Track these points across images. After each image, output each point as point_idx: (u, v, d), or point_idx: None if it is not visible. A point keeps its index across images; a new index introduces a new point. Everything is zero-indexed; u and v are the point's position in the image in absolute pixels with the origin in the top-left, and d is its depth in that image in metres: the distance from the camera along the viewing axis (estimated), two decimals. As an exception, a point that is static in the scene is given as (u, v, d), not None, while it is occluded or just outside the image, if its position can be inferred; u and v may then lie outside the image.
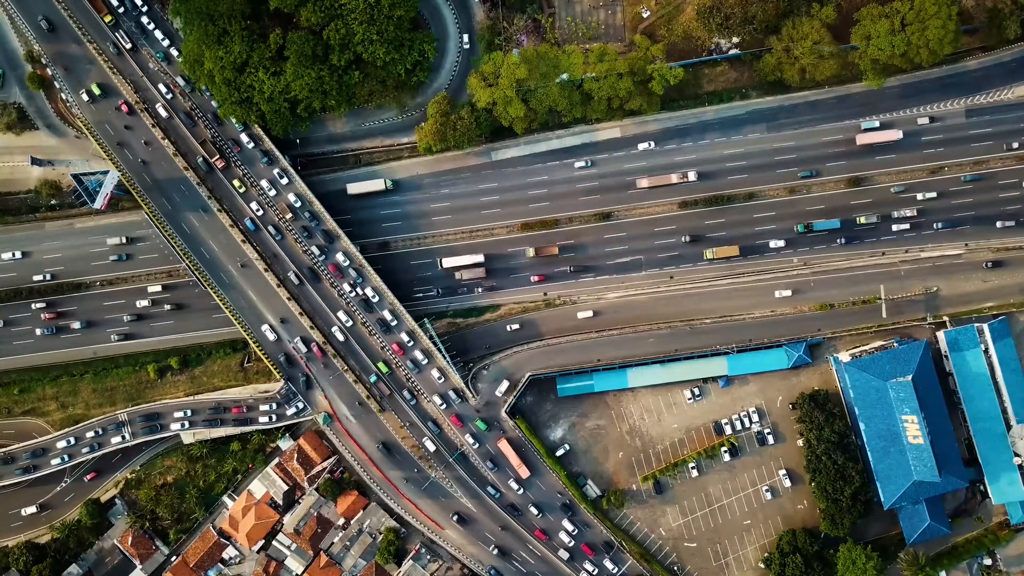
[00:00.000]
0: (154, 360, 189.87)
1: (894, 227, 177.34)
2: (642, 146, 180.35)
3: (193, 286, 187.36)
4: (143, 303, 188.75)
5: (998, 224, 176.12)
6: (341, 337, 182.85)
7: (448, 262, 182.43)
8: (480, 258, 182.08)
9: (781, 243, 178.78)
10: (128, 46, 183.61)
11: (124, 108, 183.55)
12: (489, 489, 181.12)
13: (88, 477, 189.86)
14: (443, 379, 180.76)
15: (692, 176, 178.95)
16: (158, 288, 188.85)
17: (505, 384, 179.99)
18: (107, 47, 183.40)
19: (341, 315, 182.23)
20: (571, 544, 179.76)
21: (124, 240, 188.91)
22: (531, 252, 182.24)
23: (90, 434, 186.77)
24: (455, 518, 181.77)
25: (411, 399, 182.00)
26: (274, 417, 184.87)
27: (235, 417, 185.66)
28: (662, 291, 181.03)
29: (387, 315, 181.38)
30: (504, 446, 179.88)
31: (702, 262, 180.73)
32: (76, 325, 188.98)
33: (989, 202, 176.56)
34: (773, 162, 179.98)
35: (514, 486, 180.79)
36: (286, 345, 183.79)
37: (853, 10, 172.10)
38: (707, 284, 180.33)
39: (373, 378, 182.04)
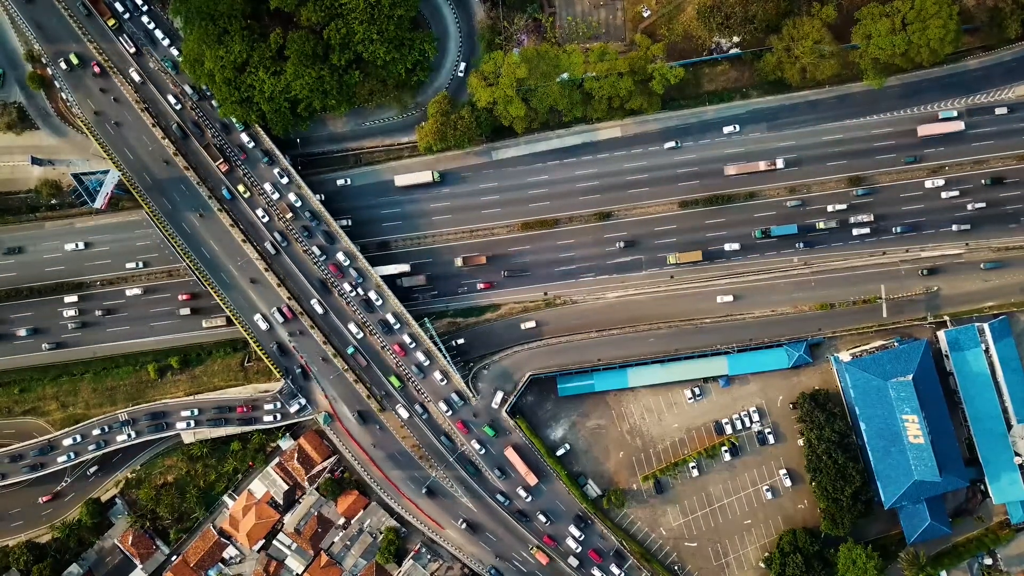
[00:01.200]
0: (154, 360, 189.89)
1: (854, 231, 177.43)
2: (727, 129, 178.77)
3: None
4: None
5: (953, 228, 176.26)
6: (354, 354, 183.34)
7: (383, 270, 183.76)
8: (406, 267, 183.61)
9: (736, 246, 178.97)
10: (132, 50, 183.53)
11: (96, 69, 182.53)
12: (498, 497, 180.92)
13: (92, 469, 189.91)
14: (446, 381, 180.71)
15: (780, 164, 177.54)
16: (138, 291, 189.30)
17: (499, 396, 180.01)
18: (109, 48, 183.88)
19: (352, 327, 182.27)
20: (579, 551, 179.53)
21: (82, 245, 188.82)
22: (459, 262, 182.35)
23: (96, 432, 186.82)
24: (463, 524, 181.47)
25: (423, 413, 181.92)
26: (279, 416, 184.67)
27: (240, 416, 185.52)
28: (662, 291, 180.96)
29: (389, 317, 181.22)
30: (511, 454, 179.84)
31: (754, 254, 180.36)
32: (22, 332, 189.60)
33: (945, 207, 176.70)
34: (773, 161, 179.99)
35: (522, 493, 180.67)
36: (279, 334, 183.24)
37: (854, 9, 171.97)
38: (707, 284, 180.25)
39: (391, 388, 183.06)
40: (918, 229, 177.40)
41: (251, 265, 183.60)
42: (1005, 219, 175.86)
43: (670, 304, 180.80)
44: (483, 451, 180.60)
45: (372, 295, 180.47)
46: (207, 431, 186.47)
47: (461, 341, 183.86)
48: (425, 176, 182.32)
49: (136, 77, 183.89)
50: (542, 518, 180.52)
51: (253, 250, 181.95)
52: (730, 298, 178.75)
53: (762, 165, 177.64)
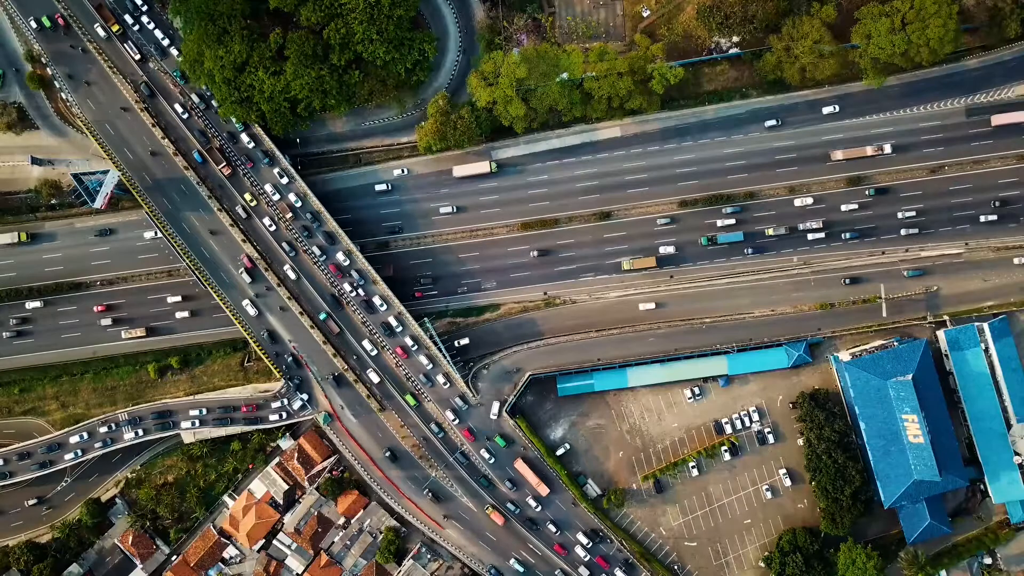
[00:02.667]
0: (154, 359, 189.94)
1: (809, 236, 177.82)
2: (827, 110, 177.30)
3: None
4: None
5: (902, 232, 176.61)
6: (374, 377, 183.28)
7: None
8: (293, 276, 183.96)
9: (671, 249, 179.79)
10: (137, 57, 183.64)
11: (59, 20, 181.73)
12: (509, 506, 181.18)
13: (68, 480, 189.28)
14: (449, 385, 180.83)
15: (888, 149, 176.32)
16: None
17: (496, 406, 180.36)
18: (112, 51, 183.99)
19: (366, 343, 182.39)
20: (588, 559, 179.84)
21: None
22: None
23: (103, 429, 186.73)
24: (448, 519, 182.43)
25: (439, 432, 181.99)
26: (285, 414, 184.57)
27: (245, 416, 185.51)
28: (661, 290, 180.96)
29: (392, 320, 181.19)
30: (521, 466, 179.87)
31: (703, 261, 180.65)
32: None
33: (892, 213, 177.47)
34: (773, 161, 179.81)
35: (532, 503, 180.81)
36: (268, 321, 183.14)
37: (853, 9, 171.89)
38: (706, 283, 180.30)
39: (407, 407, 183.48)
40: (865, 236, 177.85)
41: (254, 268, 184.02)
42: (943, 224, 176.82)
43: (670, 303, 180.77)
44: (492, 460, 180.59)
45: (376, 299, 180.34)
46: (211, 431, 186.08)
47: (466, 341, 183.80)
48: (483, 167, 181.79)
49: (140, 80, 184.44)
50: (552, 528, 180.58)
51: (274, 277, 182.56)
52: (652, 305, 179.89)
53: (869, 150, 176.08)
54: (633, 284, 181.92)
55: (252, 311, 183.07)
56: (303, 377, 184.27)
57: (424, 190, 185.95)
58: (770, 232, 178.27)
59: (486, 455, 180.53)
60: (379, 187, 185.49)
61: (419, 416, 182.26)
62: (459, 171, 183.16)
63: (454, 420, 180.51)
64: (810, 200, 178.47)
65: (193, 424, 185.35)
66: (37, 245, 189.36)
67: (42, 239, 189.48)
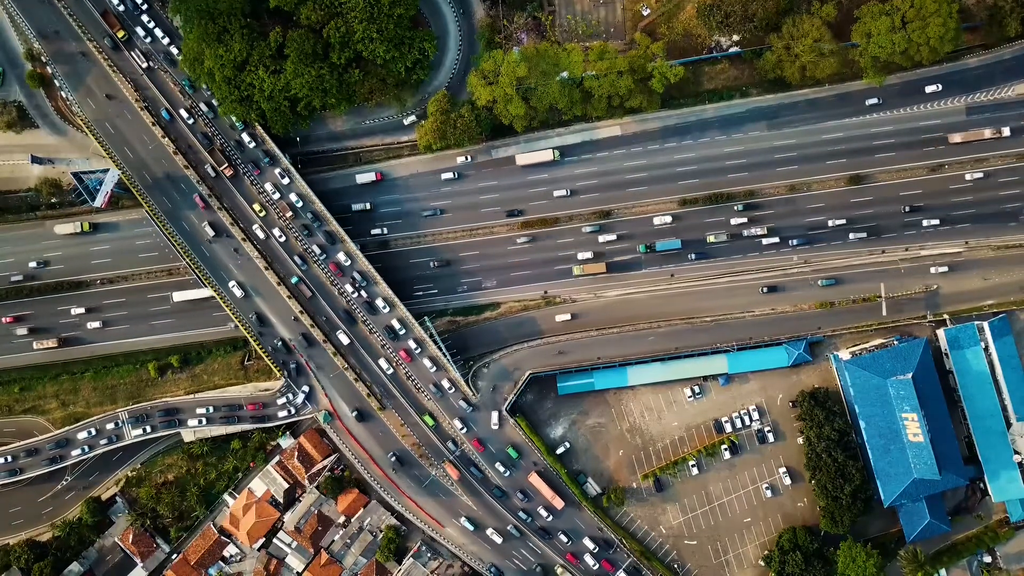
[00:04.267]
0: (155, 358, 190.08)
1: (764, 241, 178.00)
2: (930, 88, 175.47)
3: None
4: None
5: (851, 236, 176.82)
6: (390, 384, 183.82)
7: (178, 296, 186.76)
8: (207, 292, 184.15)
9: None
10: (144, 65, 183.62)
11: (201, 204, 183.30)
12: (520, 514, 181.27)
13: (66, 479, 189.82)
14: (454, 389, 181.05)
15: (1006, 132, 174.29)
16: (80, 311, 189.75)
17: (495, 416, 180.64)
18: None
19: (382, 363, 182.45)
20: (596, 567, 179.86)
21: (37, 264, 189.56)
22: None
23: (110, 426, 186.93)
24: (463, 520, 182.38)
25: (456, 449, 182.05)
26: (292, 410, 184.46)
27: (252, 415, 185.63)
28: (662, 289, 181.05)
29: (395, 323, 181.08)
30: (535, 480, 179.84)
31: (704, 259, 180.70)
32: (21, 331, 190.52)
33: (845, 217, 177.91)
34: (773, 160, 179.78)
35: (543, 512, 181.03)
36: (256, 304, 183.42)
37: (853, 7, 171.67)
38: (707, 282, 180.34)
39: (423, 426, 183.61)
40: (813, 241, 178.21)
41: (251, 263, 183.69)
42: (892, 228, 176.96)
43: (670, 302, 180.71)
44: (507, 473, 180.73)
45: (379, 301, 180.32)
46: (217, 429, 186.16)
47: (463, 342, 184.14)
48: (546, 155, 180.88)
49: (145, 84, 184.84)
50: (563, 537, 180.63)
51: (296, 304, 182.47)
52: (568, 316, 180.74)
53: (987, 133, 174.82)
54: (634, 283, 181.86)
55: (239, 293, 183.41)
56: (307, 380, 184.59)
57: (420, 189, 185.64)
58: (711, 239, 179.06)
59: (501, 468, 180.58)
60: (445, 176, 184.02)
61: (437, 436, 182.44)
62: (522, 159, 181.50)
63: (463, 429, 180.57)
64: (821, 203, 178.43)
65: (200, 422, 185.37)
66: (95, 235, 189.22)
67: (103, 229, 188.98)
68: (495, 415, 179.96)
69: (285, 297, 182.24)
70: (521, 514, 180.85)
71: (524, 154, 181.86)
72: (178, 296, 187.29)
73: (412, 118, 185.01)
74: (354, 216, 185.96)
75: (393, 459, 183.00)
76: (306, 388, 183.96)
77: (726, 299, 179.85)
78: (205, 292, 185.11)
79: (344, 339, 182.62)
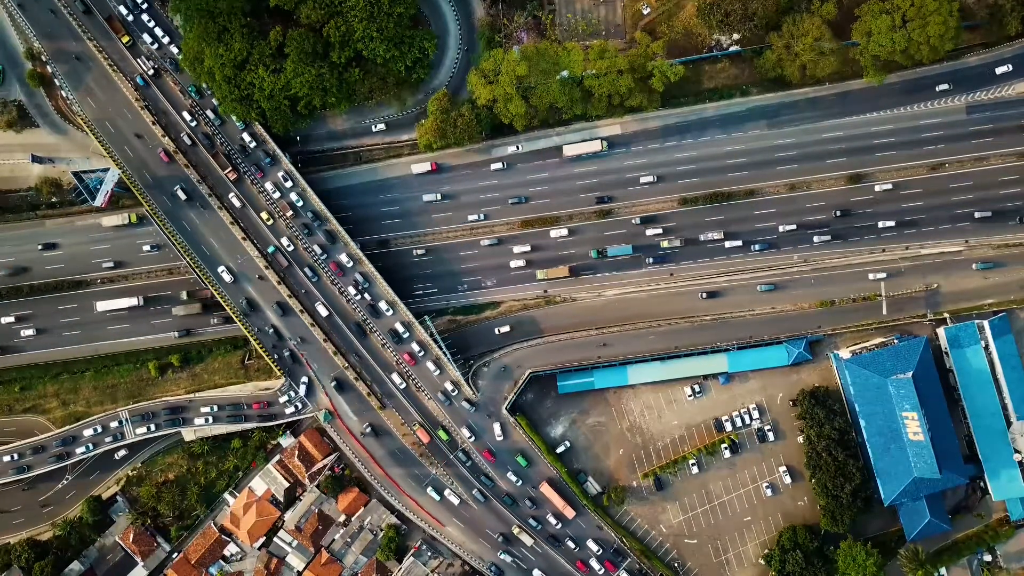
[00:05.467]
0: (155, 357, 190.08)
1: (726, 244, 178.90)
2: (1000, 70, 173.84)
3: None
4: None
5: (815, 239, 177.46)
6: (403, 399, 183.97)
7: (102, 305, 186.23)
8: (133, 301, 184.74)
9: (738, 243, 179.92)
10: (151, 73, 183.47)
11: (164, 157, 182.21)
12: (531, 521, 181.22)
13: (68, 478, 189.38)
14: (456, 391, 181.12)
15: None
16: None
17: (497, 427, 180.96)
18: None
19: (395, 377, 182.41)
20: (601, 571, 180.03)
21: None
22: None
23: (114, 424, 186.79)
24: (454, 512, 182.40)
25: (466, 460, 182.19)
26: (300, 405, 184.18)
27: (260, 413, 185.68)
28: (661, 288, 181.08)
29: (398, 326, 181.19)
30: (546, 489, 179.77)
31: (704, 259, 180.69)
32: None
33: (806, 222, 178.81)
34: (774, 159, 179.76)
35: (552, 520, 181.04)
36: (246, 289, 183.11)
37: (854, 6, 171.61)
38: (707, 281, 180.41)
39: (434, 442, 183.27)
40: (776, 246, 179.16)
41: (251, 263, 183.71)
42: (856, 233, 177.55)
43: (670, 301, 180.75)
44: (519, 483, 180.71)
45: (382, 305, 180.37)
46: (224, 427, 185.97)
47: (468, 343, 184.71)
48: (594, 146, 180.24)
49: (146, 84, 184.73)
50: (571, 544, 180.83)
51: (309, 317, 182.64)
52: (507, 328, 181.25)
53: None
54: (633, 282, 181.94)
55: (228, 278, 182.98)
56: (308, 378, 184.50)
57: (419, 187, 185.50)
58: (665, 245, 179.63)
59: (513, 478, 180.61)
60: (495, 165, 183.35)
61: (449, 447, 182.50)
62: (569, 150, 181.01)
63: (471, 438, 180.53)
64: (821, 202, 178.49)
65: (207, 421, 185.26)
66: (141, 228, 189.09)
67: (147, 222, 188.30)
68: (497, 426, 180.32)
69: (309, 324, 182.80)
70: (531, 521, 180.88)
71: (570, 145, 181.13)
72: (102, 306, 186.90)
73: (382, 126, 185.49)
74: (354, 216, 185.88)
75: (368, 429, 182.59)
76: (305, 379, 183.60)
77: (669, 304, 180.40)
78: (132, 301, 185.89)
79: (358, 347, 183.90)
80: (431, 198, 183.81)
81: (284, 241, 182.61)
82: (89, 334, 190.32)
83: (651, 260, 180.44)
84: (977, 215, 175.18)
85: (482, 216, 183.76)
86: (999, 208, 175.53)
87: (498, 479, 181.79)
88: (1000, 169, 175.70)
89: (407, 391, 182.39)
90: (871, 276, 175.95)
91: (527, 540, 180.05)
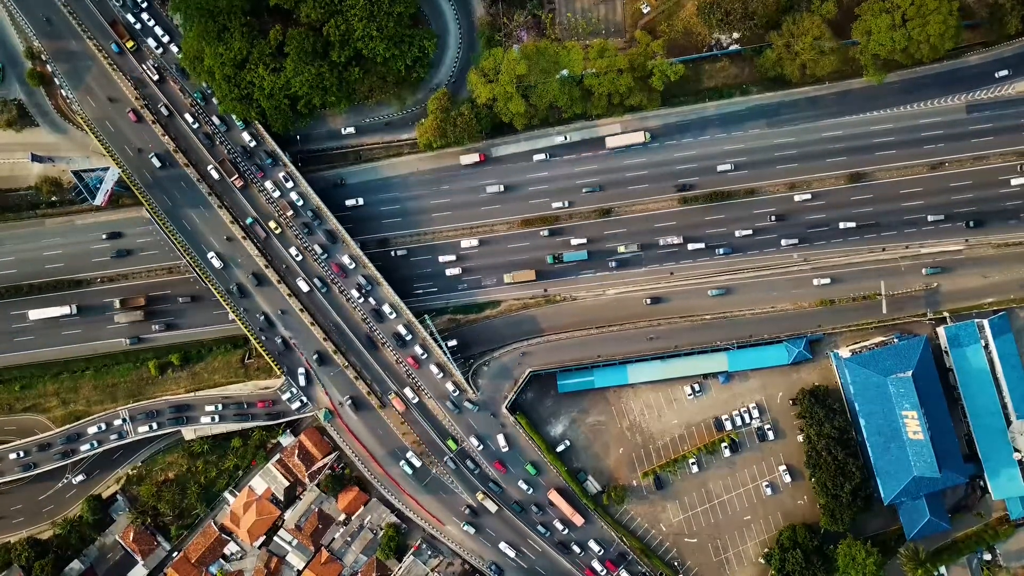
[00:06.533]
0: (155, 356, 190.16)
1: (691, 246, 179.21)
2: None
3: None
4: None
5: (783, 243, 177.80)
6: (416, 414, 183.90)
7: (34, 314, 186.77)
8: (66, 309, 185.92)
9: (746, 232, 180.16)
10: (156, 78, 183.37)
11: (133, 117, 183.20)
12: (539, 528, 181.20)
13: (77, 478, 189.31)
14: (458, 392, 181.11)
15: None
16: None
17: (501, 439, 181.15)
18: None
19: (407, 391, 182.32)
20: (603, 572, 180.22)
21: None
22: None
23: (117, 421, 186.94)
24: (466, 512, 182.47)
25: (475, 468, 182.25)
26: (304, 399, 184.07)
27: (267, 411, 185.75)
28: (662, 287, 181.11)
29: (401, 329, 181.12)
30: (555, 496, 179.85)
31: (703, 258, 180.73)
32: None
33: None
34: (773, 158, 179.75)
35: (559, 526, 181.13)
36: (236, 275, 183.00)
37: (854, 5, 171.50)
38: (707, 280, 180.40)
39: (446, 457, 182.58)
40: (742, 249, 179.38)
41: (251, 262, 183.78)
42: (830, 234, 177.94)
43: (670, 301, 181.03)
44: (530, 491, 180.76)
45: (386, 308, 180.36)
46: (230, 425, 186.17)
47: (454, 342, 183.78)
48: (637, 137, 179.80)
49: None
50: (576, 548, 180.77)
51: (320, 331, 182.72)
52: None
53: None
54: (633, 281, 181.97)
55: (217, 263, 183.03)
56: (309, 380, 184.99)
57: (423, 187, 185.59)
58: (622, 249, 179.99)
59: (524, 487, 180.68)
60: (537, 157, 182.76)
61: (458, 457, 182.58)
62: (612, 141, 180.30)
63: (479, 447, 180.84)
64: (808, 196, 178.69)
65: (213, 419, 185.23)
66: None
67: None
68: (502, 438, 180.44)
69: (322, 339, 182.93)
70: (540, 528, 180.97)
71: (613, 136, 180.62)
72: (34, 315, 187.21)
73: (351, 129, 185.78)
74: (351, 214, 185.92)
75: (349, 401, 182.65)
76: (302, 370, 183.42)
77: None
78: (64, 310, 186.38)
79: (364, 358, 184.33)
80: (495, 189, 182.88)
81: (293, 251, 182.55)
82: (90, 332, 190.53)
83: (614, 264, 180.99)
84: (931, 218, 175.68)
85: (566, 204, 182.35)
86: (951, 213, 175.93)
87: (508, 487, 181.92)
88: (1000, 168, 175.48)
89: (419, 404, 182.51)
90: (815, 282, 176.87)
91: (491, 506, 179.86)
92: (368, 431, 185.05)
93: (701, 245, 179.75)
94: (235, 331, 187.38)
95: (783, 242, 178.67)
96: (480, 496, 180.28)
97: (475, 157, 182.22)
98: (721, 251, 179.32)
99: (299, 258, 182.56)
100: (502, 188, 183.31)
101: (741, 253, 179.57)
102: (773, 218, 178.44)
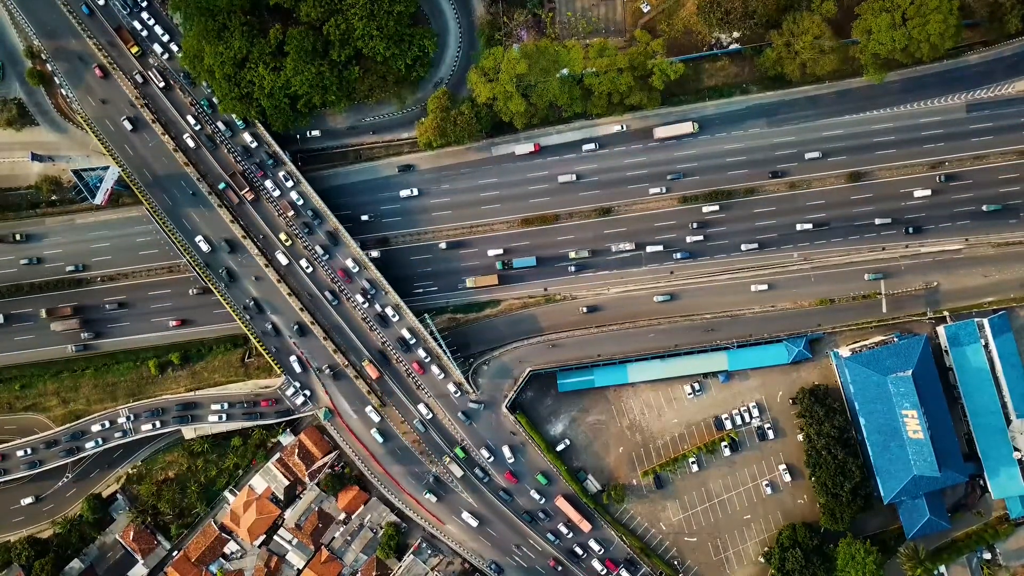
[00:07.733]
0: (155, 356, 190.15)
1: (649, 249, 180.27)
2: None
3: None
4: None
5: (743, 247, 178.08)
6: (422, 428, 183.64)
7: None
8: None
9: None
10: (162, 84, 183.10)
11: (99, 73, 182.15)
12: (549, 535, 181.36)
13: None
14: (460, 394, 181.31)
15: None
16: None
17: (506, 450, 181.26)
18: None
19: (421, 408, 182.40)
20: (604, 572, 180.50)
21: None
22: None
23: (121, 419, 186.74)
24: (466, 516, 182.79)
25: (484, 477, 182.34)
26: (308, 394, 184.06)
27: (276, 410, 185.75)
28: (662, 287, 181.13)
29: (405, 333, 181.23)
30: (562, 503, 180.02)
31: (703, 257, 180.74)
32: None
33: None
34: (773, 157, 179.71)
35: (564, 529, 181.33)
36: (225, 259, 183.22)
37: (854, 4, 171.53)
38: (707, 280, 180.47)
39: (453, 465, 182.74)
40: (698, 255, 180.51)
41: (251, 262, 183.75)
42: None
43: (703, 296, 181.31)
44: (542, 500, 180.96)
45: (389, 311, 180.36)
46: (235, 424, 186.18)
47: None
48: (686, 127, 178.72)
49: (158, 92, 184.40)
50: (578, 551, 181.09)
51: (332, 345, 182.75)
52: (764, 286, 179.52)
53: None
54: (633, 280, 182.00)
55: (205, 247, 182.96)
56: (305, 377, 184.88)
57: (421, 186, 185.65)
58: (573, 255, 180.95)
59: (536, 496, 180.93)
60: (587, 147, 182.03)
61: (466, 465, 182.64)
62: (660, 132, 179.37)
63: (490, 458, 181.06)
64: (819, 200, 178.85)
65: (220, 418, 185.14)
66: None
67: None
68: (507, 449, 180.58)
69: (332, 351, 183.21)
70: (550, 535, 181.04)
71: (662, 127, 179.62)
72: None
73: (316, 133, 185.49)
74: (352, 215, 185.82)
75: (328, 371, 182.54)
76: (297, 365, 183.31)
77: (722, 296, 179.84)
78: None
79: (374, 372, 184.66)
80: (567, 179, 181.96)
81: (303, 263, 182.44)
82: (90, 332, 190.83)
83: (574, 269, 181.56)
84: (878, 222, 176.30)
85: (664, 190, 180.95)
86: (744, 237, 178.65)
87: (518, 497, 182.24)
88: (1002, 167, 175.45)
89: (433, 420, 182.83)
90: (753, 288, 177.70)
91: (456, 471, 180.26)
92: (376, 441, 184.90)
93: (656, 247, 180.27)
94: (235, 330, 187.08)
95: (742, 247, 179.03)
96: (447, 459, 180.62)
97: (530, 147, 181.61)
98: (678, 255, 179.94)
99: (309, 269, 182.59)
100: (574, 178, 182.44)
101: (693, 256, 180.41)
102: (694, 224, 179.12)
